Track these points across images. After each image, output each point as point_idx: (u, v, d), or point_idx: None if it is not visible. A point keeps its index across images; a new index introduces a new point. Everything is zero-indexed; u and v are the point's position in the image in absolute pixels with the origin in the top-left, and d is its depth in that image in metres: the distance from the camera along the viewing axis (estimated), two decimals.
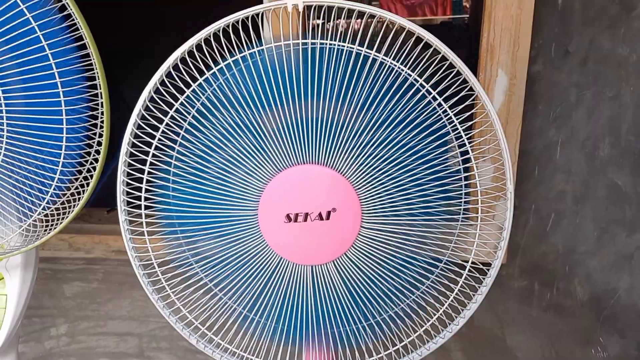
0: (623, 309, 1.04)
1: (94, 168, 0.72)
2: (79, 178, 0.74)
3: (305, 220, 0.62)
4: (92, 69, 0.68)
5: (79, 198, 0.75)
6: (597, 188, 0.99)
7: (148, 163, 0.63)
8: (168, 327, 1.10)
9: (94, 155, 0.72)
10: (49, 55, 0.63)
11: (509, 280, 1.09)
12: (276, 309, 0.68)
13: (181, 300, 0.71)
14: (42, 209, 0.70)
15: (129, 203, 0.66)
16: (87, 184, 0.73)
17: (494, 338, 1.09)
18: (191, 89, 0.61)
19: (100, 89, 0.69)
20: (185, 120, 0.63)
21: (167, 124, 0.64)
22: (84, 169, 0.74)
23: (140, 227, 0.68)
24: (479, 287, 0.68)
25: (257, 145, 0.61)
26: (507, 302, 1.07)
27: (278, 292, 0.65)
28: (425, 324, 0.68)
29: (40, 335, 1.10)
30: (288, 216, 0.62)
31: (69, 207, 0.76)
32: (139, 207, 0.67)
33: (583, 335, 1.07)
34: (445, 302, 0.71)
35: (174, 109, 0.62)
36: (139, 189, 0.64)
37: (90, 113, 0.72)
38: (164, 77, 0.63)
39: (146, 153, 0.65)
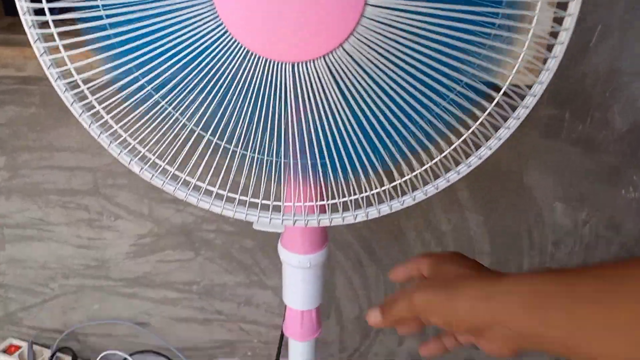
0: None
1: None
2: None
3: None
4: None
5: None
6: None
7: None
8: None
9: None
10: None
11: (536, 108, 0.90)
12: (244, 128, 0.49)
13: (130, 129, 0.53)
14: None
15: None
16: None
17: (509, 175, 0.93)
18: None
19: None
20: None
21: None
22: None
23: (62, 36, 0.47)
24: (512, 111, 0.49)
25: None
26: (530, 134, 0.90)
27: (244, 103, 0.46)
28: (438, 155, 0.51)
29: None
30: None
31: None
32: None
33: (613, 174, 0.92)
34: (472, 125, 0.53)
35: None
36: None
37: None
38: None
39: None
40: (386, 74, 0.44)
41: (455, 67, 0.46)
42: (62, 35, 0.48)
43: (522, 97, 0.52)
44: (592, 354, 0.38)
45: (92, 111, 0.54)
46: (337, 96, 0.45)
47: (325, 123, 0.47)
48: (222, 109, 0.48)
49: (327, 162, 0.51)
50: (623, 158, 0.90)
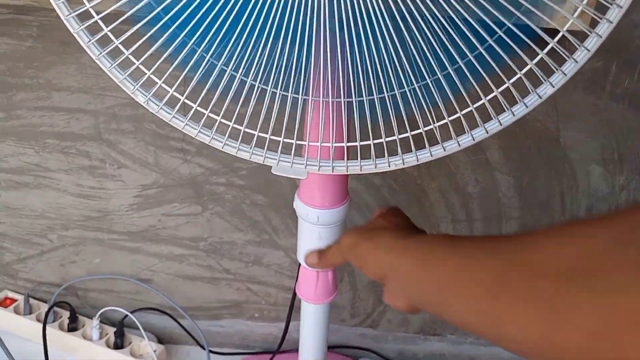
0: None
1: None
2: None
3: None
4: None
5: None
6: None
7: None
8: (131, 104, 0.85)
9: None
10: None
11: None
12: (265, 59, 0.43)
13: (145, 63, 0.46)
14: None
15: None
16: None
17: (545, 133, 0.86)
18: None
19: None
20: None
21: None
22: None
23: None
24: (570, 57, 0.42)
25: None
26: (570, 89, 0.83)
27: (264, 32, 0.39)
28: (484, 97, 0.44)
29: None
30: None
31: None
32: None
33: None
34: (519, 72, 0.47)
35: None
36: None
37: None
38: None
39: None
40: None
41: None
42: None
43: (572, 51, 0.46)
44: (458, 315, 0.37)
45: (98, 34, 0.47)
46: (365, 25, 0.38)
47: (366, 49, 0.40)
48: (242, 36, 0.41)
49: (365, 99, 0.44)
50: None
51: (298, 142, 0.51)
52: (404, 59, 0.42)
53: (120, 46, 0.48)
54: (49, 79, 0.84)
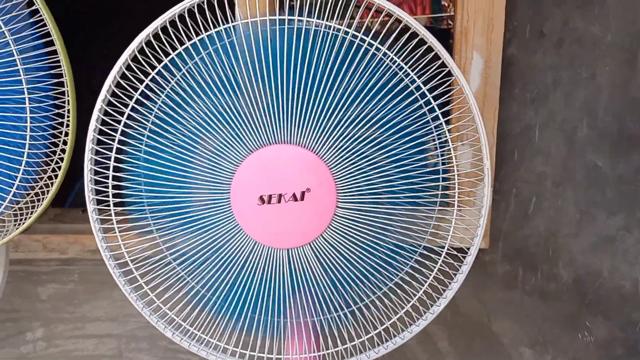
0: (607, 291, 1.03)
1: (62, 159, 0.70)
2: (46, 174, 0.72)
3: (279, 201, 0.60)
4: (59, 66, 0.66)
5: (46, 195, 0.73)
6: (577, 170, 0.98)
7: (115, 147, 0.61)
8: (148, 326, 1.07)
9: (61, 147, 0.70)
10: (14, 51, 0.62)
11: (493, 265, 1.08)
12: (252, 297, 0.66)
13: (159, 297, 0.69)
14: (8, 203, 0.67)
15: (98, 202, 0.65)
16: (55, 180, 0.71)
17: (480, 325, 1.08)
18: (156, 70, 0.59)
19: (66, 79, 0.67)
20: (155, 105, 0.61)
21: (135, 110, 0.62)
22: (49, 169, 0.72)
23: (112, 223, 0.66)
24: (460, 265, 0.67)
25: (227, 127, 0.59)
26: (492, 288, 1.06)
27: (253, 279, 0.63)
28: (406, 305, 0.67)
29: (16, 340, 1.07)
30: (261, 198, 0.60)
31: (37, 203, 0.73)
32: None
33: (569, 320, 1.06)
34: (425, 282, 0.70)
35: (139, 91, 0.60)
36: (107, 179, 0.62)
37: (57, 111, 0.70)
38: (130, 62, 0.61)
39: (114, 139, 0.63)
40: (355, 254, 0.62)
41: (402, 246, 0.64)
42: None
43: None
44: None
45: (134, 284, 0.70)
46: (320, 271, 0.63)
47: (311, 291, 0.64)
48: (235, 285, 0.64)
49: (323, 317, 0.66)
50: (575, 306, 1.05)
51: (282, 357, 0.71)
52: (337, 295, 0.65)
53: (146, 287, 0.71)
54: (83, 313, 1.06)
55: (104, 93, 0.61)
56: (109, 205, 0.64)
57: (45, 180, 0.72)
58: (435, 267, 0.66)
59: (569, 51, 0.92)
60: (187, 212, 0.61)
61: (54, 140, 0.70)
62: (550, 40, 0.93)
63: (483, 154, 0.63)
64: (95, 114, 0.61)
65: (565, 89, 0.94)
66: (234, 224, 0.61)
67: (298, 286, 0.63)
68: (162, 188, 0.61)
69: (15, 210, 0.75)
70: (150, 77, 0.59)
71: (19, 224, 0.76)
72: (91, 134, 0.62)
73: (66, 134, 0.70)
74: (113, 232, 0.65)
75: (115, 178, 0.63)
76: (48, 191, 0.72)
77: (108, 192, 0.63)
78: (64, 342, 1.07)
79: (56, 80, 0.67)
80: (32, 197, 0.74)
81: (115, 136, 0.62)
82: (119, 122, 0.62)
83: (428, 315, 0.72)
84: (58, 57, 0.65)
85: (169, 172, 0.60)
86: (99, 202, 0.65)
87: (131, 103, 0.60)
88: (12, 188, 0.68)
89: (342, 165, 0.59)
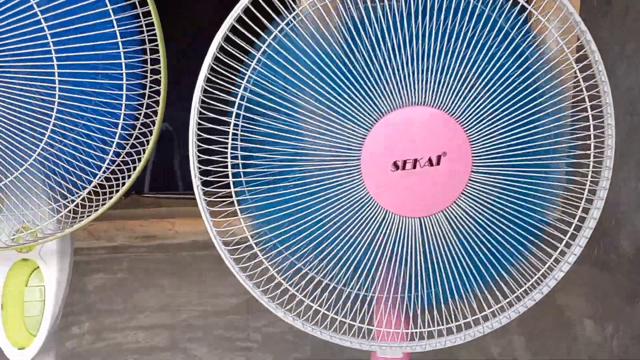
0: None
1: (151, 132, 0.64)
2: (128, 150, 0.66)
3: (414, 167, 0.56)
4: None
5: (128, 175, 0.67)
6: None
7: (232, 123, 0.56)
8: (202, 315, 1.02)
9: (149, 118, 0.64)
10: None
11: None
12: (379, 274, 0.61)
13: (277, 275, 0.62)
14: (102, 173, 0.62)
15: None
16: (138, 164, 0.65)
17: (544, 298, 1.06)
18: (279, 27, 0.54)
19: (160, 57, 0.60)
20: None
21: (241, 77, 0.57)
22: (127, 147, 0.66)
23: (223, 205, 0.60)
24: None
25: (357, 88, 0.54)
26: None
27: (383, 253, 0.59)
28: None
29: (62, 335, 1.00)
30: (395, 164, 0.56)
31: (116, 184, 0.67)
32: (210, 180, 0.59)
33: (631, 292, 1.06)
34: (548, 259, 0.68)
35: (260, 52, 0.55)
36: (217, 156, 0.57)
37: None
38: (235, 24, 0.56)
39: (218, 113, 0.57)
40: (492, 221, 0.59)
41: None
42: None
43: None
44: None
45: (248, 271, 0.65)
46: (454, 240, 0.59)
47: (445, 262, 0.60)
48: (360, 259, 0.60)
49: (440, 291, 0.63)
50: (637, 277, 1.04)
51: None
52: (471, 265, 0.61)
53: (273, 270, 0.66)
54: (134, 303, 1.00)
55: (208, 61, 0.55)
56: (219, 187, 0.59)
57: (128, 164, 0.65)
58: (560, 245, 0.64)
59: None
60: (314, 184, 0.56)
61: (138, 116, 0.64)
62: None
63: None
64: (200, 82, 0.55)
65: (630, 61, 0.93)
66: (364, 193, 0.56)
67: (431, 258, 0.59)
68: (288, 163, 0.56)
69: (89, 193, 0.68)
70: (272, 34, 0.54)
71: (90, 211, 0.69)
72: (196, 104, 0.56)
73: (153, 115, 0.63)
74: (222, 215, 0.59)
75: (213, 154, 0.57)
76: (129, 176, 0.65)
77: (221, 171, 0.58)
78: (113, 334, 1.01)
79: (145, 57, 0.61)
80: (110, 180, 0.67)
81: (226, 108, 0.56)
82: (227, 92, 0.56)
83: (544, 287, 0.70)
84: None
85: (296, 139, 0.55)
86: (207, 183, 0.59)
87: (253, 63, 0.55)
88: (103, 163, 0.62)
89: (477, 127, 0.56)
